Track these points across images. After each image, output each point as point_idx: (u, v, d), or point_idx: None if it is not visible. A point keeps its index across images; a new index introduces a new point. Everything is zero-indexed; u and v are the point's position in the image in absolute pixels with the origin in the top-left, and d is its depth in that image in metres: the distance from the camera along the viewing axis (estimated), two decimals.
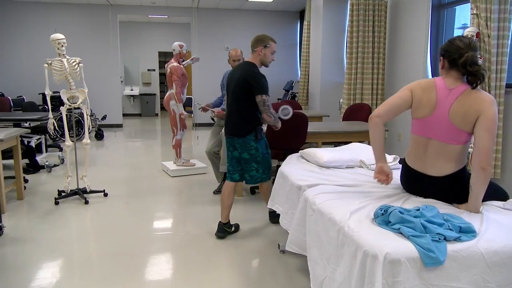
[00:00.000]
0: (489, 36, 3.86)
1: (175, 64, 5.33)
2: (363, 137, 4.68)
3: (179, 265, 2.96)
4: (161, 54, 13.28)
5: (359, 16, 5.99)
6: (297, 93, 9.09)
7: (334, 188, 2.33)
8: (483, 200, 2.02)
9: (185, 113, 5.39)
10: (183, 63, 5.83)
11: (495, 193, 2.25)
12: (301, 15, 10.06)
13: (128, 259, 3.01)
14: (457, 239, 1.62)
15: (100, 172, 5.72)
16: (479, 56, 3.81)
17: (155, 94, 13.25)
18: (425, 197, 2.19)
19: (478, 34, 3.90)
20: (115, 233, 3.52)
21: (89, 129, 4.56)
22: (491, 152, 1.96)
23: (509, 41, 3.89)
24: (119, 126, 10.38)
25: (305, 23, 8.41)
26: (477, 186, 1.96)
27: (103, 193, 4.52)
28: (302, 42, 8.62)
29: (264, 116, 3.23)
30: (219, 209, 3.42)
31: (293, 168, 2.85)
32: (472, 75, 1.99)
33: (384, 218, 1.75)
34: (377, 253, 1.54)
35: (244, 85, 3.17)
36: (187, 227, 3.67)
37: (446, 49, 2.07)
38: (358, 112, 5.66)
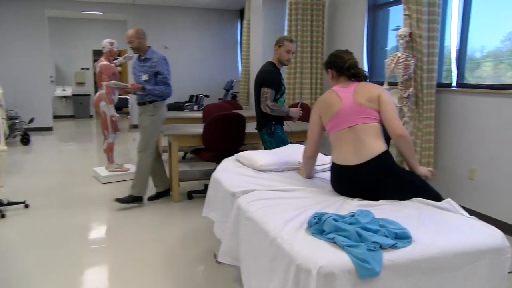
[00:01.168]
0: (420, 36, 3.94)
1: (105, 62, 5.00)
2: (302, 137, 4.63)
3: (113, 279, 2.71)
4: (96, 52, 12.58)
5: (298, 16, 5.96)
6: (238, 92, 8.97)
7: (270, 194, 2.20)
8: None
9: (117, 114, 5.05)
10: (115, 61, 5.50)
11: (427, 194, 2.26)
12: (242, 13, 9.94)
13: (52, 276, 2.70)
14: (393, 246, 1.55)
15: (25, 180, 5.22)
16: (411, 56, 3.89)
17: (89, 95, 12.54)
18: (355, 194, 2.17)
19: (411, 35, 3.96)
20: (34, 249, 3.17)
21: (8, 133, 4.11)
22: (399, 119, 2.32)
23: (438, 42, 4.00)
24: (49, 129, 9.68)
25: (245, 21, 8.30)
26: (407, 155, 2.27)
27: (23, 204, 4.10)
28: (242, 41, 8.50)
29: (261, 107, 3.52)
30: (155, 218, 3.19)
31: (227, 173, 2.69)
32: (356, 76, 2.38)
33: (318, 227, 1.64)
34: (310, 267, 1.42)
35: (257, 81, 3.62)
36: (119, 239, 3.39)
37: (331, 61, 2.44)
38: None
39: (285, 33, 6.09)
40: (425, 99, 4.01)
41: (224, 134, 4.09)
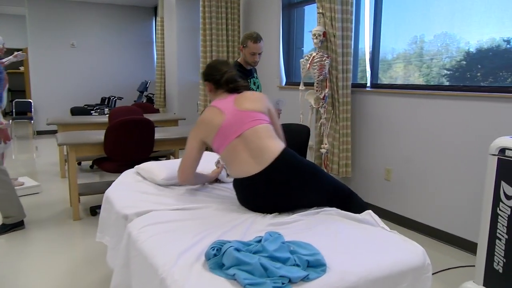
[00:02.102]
0: (334, 36, 3.84)
1: None
2: None
3: None
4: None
5: (212, 13, 5.67)
6: (154, 94, 8.45)
7: (168, 215, 1.87)
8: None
9: (4, 121, 4.37)
10: (3, 60, 4.79)
11: (350, 199, 2.09)
12: (156, 11, 9.41)
13: None
14: (305, 279, 1.30)
15: None
16: (326, 55, 3.76)
17: None
18: (267, 207, 1.96)
19: (324, 34, 3.85)
20: None
21: None
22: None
23: (352, 42, 3.94)
24: None
25: (158, 19, 7.82)
26: None
27: None
28: (156, 40, 8.01)
29: None
30: (45, 243, 2.68)
31: (122, 189, 2.30)
32: (235, 90, 2.21)
33: (217, 260, 1.35)
34: None
35: None
36: (17, 266, 2.83)
37: (208, 73, 2.25)
38: None
39: (200, 31, 5.76)
40: (341, 99, 3.93)
41: (127, 142, 3.66)
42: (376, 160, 3.91)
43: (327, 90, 3.90)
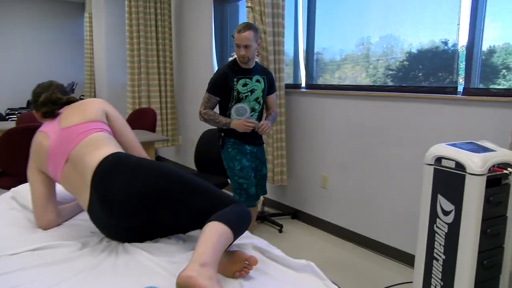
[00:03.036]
0: (265, 32, 3.51)
1: None
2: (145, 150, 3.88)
3: None
4: None
5: (139, 8, 5.18)
6: (83, 96, 7.78)
7: (17, 261, 1.42)
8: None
9: None
10: None
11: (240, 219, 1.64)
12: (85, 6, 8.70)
13: None
14: None
15: None
16: (256, 53, 3.42)
17: None
18: (121, 231, 1.60)
19: None
20: None
21: None
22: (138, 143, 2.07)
23: (284, 39, 3.63)
24: None
25: (86, 15, 7.20)
26: None
27: None
28: (85, 38, 7.37)
29: None
30: None
31: None
32: (51, 114, 1.82)
33: None
34: None
35: None
36: None
37: (31, 101, 1.91)
38: (142, 118, 4.85)
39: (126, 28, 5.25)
40: None
41: (20, 154, 3.12)
42: (312, 166, 3.62)
43: None
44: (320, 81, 3.67)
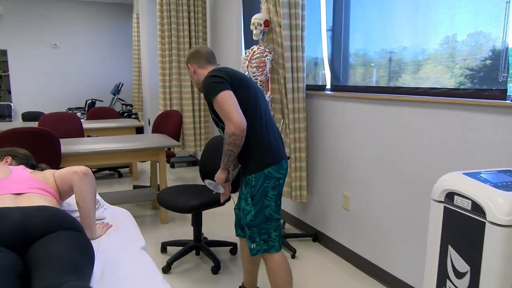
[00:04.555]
0: (280, 25, 3.03)
1: None
2: (145, 156, 3.61)
3: None
4: None
5: (171, 6, 4.94)
6: (133, 97, 7.81)
7: None
8: None
9: None
10: None
11: None
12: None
13: None
14: None
15: None
16: (268, 50, 2.97)
17: None
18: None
19: (267, 22, 3.05)
20: None
21: None
22: None
23: (305, 33, 3.11)
24: None
25: (134, 16, 7.18)
26: None
27: None
28: (133, 38, 7.37)
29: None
30: None
31: None
32: None
33: None
34: None
35: None
36: None
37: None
38: (167, 121, 4.60)
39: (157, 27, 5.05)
40: (290, 106, 3.11)
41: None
42: (334, 183, 3.07)
43: (269, 93, 3.09)
44: (396, 83, 3.00)
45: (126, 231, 1.74)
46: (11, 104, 8.77)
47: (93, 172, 5.58)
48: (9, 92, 10.43)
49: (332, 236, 3.13)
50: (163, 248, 3.12)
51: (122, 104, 7.97)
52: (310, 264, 2.93)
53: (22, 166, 1.84)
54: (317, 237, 3.31)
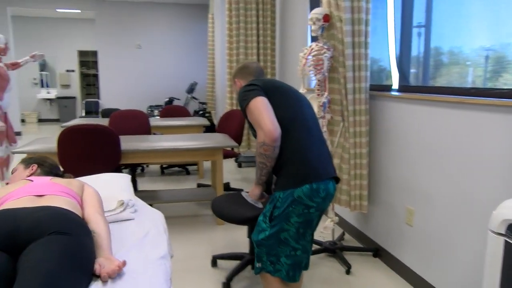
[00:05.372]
0: (341, 20, 2.79)
1: None
2: (208, 155, 3.58)
3: None
4: (81, 53, 11.99)
5: (239, 4, 4.89)
6: (207, 96, 7.96)
7: None
8: None
9: (1, 123, 4.18)
10: (19, 60, 4.70)
11: None
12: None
13: None
14: None
15: None
16: (326, 47, 2.76)
17: (74, 98, 11.94)
18: None
19: (326, 17, 2.82)
20: None
21: None
22: None
23: (370, 27, 2.83)
24: (17, 134, 9.03)
25: (209, 16, 7.30)
26: None
27: None
28: (208, 38, 7.50)
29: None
30: None
31: None
32: None
33: None
34: None
35: None
36: None
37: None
38: (229, 121, 4.56)
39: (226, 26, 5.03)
40: (351, 107, 2.86)
41: (81, 153, 3.10)
42: (397, 194, 2.76)
43: (326, 93, 2.87)
44: (496, 83, 2.60)
45: (149, 236, 1.67)
46: (99, 101, 9.46)
47: (164, 168, 5.76)
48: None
49: (394, 253, 2.82)
50: (214, 261, 2.91)
51: (199, 103, 8.16)
52: (366, 282, 2.66)
53: (42, 176, 1.85)
54: (378, 252, 3.01)
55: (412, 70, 2.85)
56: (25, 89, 11.57)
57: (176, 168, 5.90)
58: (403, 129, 2.65)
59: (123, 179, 2.23)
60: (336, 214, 3.60)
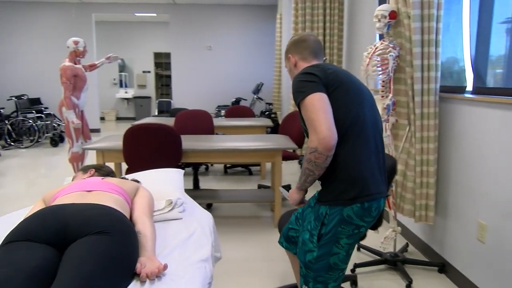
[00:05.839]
0: (408, 16, 2.60)
1: (66, 63, 4.46)
2: (267, 156, 3.54)
3: None
4: (157, 55, 12.61)
5: (306, 3, 4.80)
6: (273, 97, 7.95)
7: None
8: None
9: (76, 121, 4.49)
10: (95, 62, 5.03)
11: None
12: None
13: None
14: None
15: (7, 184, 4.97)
16: (392, 45, 2.60)
17: (150, 97, 12.58)
18: None
19: (393, 14, 2.65)
20: None
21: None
22: None
23: (441, 24, 2.61)
24: (96, 131, 9.73)
25: (278, 16, 7.28)
26: None
27: None
28: (276, 38, 7.48)
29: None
30: None
31: None
32: None
33: None
34: None
35: None
36: None
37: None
38: (292, 122, 4.49)
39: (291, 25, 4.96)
40: (418, 110, 2.66)
41: (144, 151, 3.22)
42: (468, 206, 2.51)
43: (390, 95, 2.69)
44: None
45: (193, 237, 1.66)
46: (171, 100, 9.85)
47: (227, 168, 5.84)
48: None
49: (462, 270, 2.57)
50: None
51: (266, 104, 8.19)
52: None
53: (96, 177, 1.91)
54: (444, 268, 2.77)
55: (499, 70, 2.58)
56: (105, 89, 12.41)
57: (239, 168, 5.95)
58: (478, 135, 2.40)
59: (175, 174, 2.26)
60: (399, 223, 3.39)
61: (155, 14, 10.67)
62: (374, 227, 2.09)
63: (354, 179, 1.52)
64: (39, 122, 7.94)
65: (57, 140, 7.84)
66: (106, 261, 1.23)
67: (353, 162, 1.52)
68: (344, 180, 1.52)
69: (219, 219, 3.84)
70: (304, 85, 1.55)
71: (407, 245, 3.11)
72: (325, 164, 1.49)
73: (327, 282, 1.60)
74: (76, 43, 4.54)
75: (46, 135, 8.12)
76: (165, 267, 1.34)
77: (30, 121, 7.74)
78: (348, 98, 1.56)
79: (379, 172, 1.59)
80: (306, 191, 1.70)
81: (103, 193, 1.61)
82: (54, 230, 1.33)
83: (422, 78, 2.63)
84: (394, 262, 2.82)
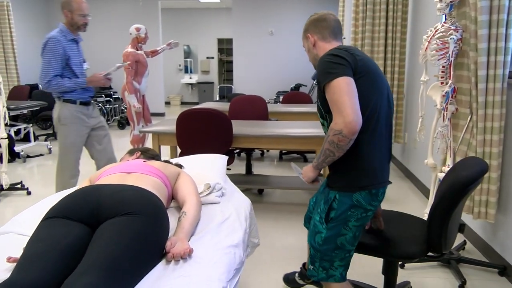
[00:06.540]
0: None
1: (128, 49, 4.66)
2: (318, 144, 3.47)
3: None
4: (220, 41, 12.79)
5: None
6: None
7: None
8: None
9: (137, 105, 4.69)
10: (157, 48, 5.23)
11: None
12: None
13: None
14: None
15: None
16: (454, 27, 2.41)
17: (213, 83, 12.83)
18: None
19: None
20: None
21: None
22: None
23: (509, 2, 2.35)
24: (161, 114, 10.14)
25: (340, 2, 7.01)
26: None
27: (26, 190, 4.11)
28: None
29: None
30: None
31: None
32: None
33: None
34: None
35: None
36: None
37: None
38: None
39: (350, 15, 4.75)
40: (481, 99, 2.44)
41: (195, 135, 3.29)
42: None
43: (450, 81, 2.49)
44: None
45: (227, 222, 1.67)
46: (232, 86, 9.97)
47: (282, 154, 5.81)
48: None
49: None
50: None
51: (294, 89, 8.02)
52: None
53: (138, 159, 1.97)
54: (506, 270, 2.55)
55: None
56: (171, 75, 12.85)
57: (295, 155, 5.90)
58: None
59: (218, 160, 2.28)
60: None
61: (218, 0, 10.81)
62: None
63: (366, 169, 1.59)
64: (108, 106, 8.43)
65: (124, 123, 8.27)
66: (133, 242, 1.26)
67: (367, 152, 1.58)
68: (356, 168, 1.59)
69: (269, 205, 3.84)
70: (333, 66, 1.52)
71: (464, 242, 2.91)
72: (347, 147, 1.51)
73: (333, 260, 1.66)
74: (138, 29, 4.72)
75: (114, 118, 8.61)
76: (191, 251, 1.36)
77: (100, 104, 8.23)
78: (371, 88, 1.58)
79: (386, 161, 1.68)
80: (320, 170, 1.72)
81: (142, 175, 1.66)
82: (89, 210, 1.39)
83: (488, 63, 2.40)
84: (447, 260, 2.65)
